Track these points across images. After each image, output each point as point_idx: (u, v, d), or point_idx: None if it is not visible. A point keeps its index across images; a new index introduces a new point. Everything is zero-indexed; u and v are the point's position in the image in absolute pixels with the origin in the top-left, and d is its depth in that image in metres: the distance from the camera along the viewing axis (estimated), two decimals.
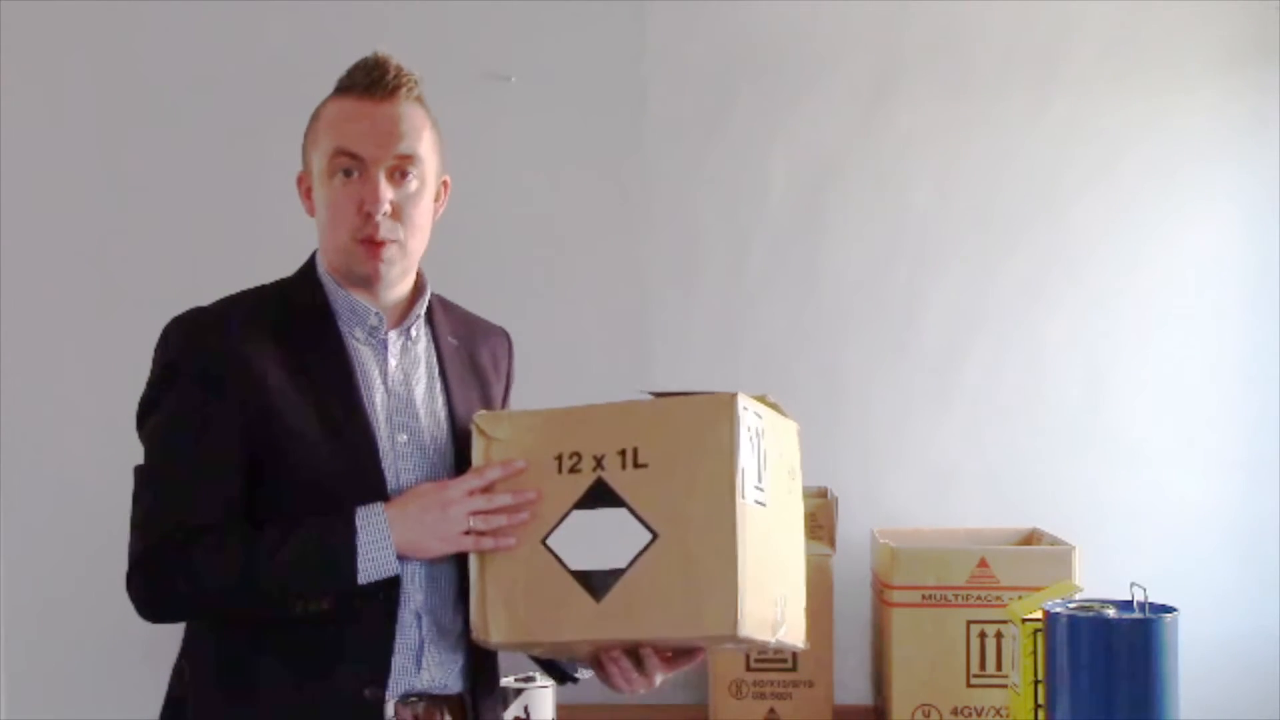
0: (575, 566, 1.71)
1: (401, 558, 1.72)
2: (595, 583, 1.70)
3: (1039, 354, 2.98)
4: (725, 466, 1.67)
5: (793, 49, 3.00)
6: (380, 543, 1.69)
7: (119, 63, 3.02)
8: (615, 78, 3.00)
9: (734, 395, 1.69)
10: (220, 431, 1.72)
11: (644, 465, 1.70)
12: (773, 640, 1.73)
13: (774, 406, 1.82)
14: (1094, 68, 2.98)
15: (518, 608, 1.73)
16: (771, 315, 3.00)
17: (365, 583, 1.70)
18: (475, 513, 1.72)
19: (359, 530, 1.69)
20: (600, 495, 1.71)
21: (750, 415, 1.71)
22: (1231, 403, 2.94)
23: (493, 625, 1.74)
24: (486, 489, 1.74)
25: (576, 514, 1.72)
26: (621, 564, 1.69)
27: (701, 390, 1.74)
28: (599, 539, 1.70)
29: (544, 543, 1.73)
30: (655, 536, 1.68)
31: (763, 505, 1.73)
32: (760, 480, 1.73)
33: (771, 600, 1.74)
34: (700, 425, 1.69)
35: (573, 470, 1.73)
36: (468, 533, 1.73)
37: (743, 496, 1.67)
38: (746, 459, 1.69)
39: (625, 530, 1.69)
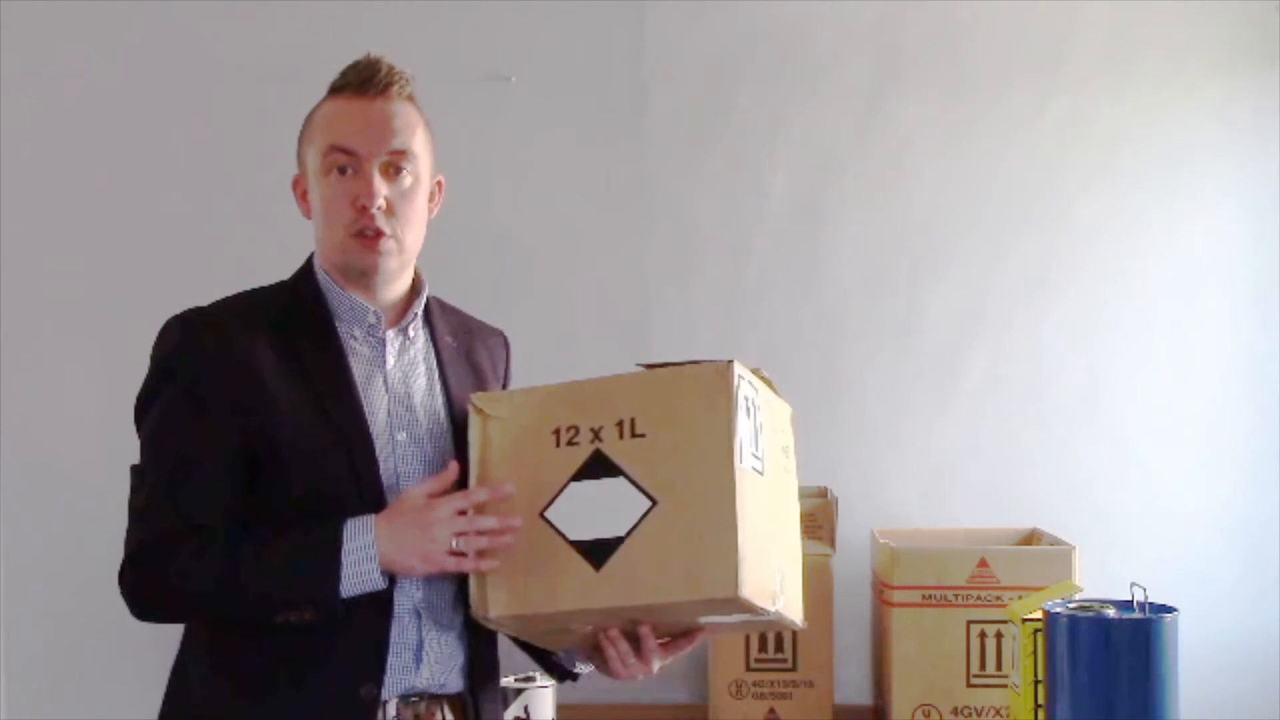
0: (574, 536, 1.71)
1: (390, 573, 1.71)
2: (595, 551, 1.70)
3: (1039, 353, 2.98)
4: (723, 431, 1.68)
5: (793, 49, 3.01)
6: (365, 557, 1.68)
7: (119, 63, 3.02)
8: (615, 78, 3.00)
9: (730, 362, 1.71)
10: (215, 431, 1.72)
11: (641, 435, 1.71)
12: (772, 610, 1.73)
13: (768, 382, 1.82)
14: (1094, 67, 2.98)
15: (517, 581, 1.73)
16: (771, 315, 3.00)
17: (348, 596, 1.69)
18: (459, 533, 1.71)
19: (345, 542, 1.68)
20: (598, 466, 1.72)
21: (746, 385, 1.73)
22: (1231, 403, 2.94)
23: (491, 600, 1.74)
24: (475, 509, 1.72)
25: (575, 485, 1.72)
26: (621, 532, 1.69)
27: (694, 360, 1.75)
28: (598, 509, 1.71)
29: (542, 515, 1.73)
30: (654, 503, 1.69)
31: (760, 473, 1.74)
32: (757, 448, 1.73)
33: (771, 569, 1.74)
34: (698, 392, 1.70)
35: (570, 443, 1.73)
36: (451, 552, 1.71)
37: (740, 461, 1.68)
38: (743, 425, 1.70)
39: (624, 499, 1.70)
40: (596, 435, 1.73)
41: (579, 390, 1.77)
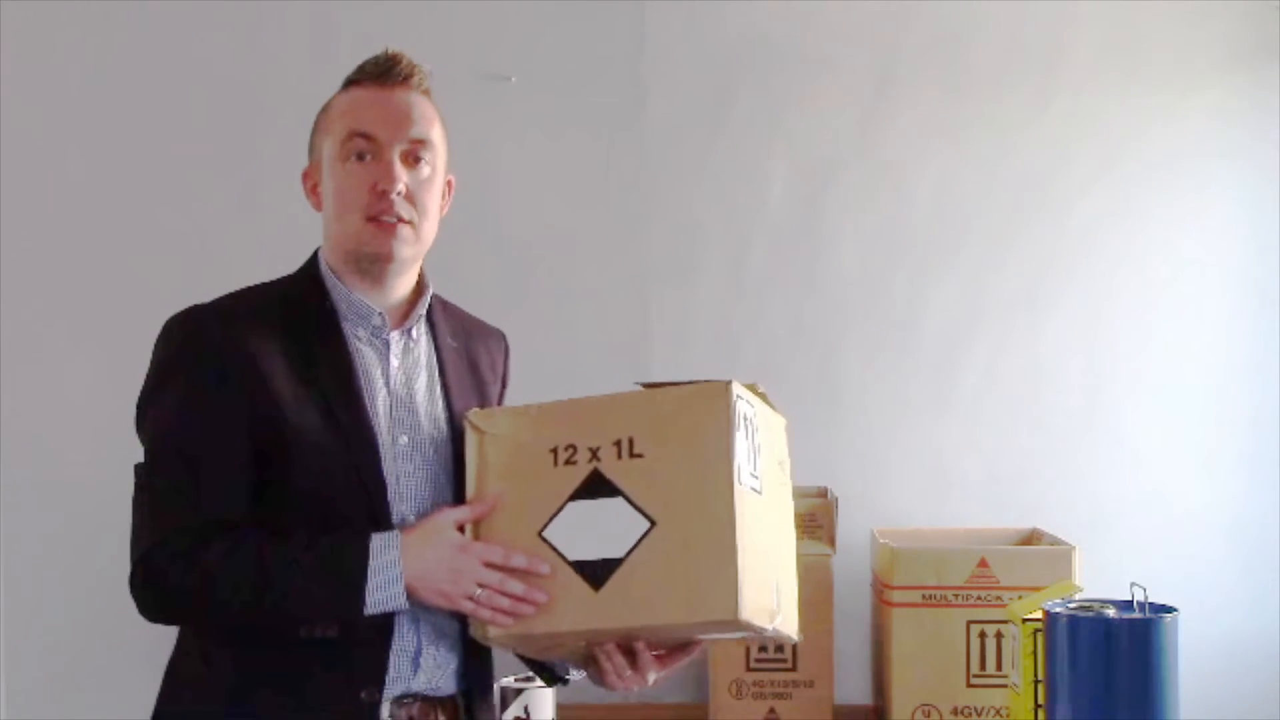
0: (573, 557, 1.71)
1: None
2: (594, 572, 1.69)
3: (1039, 353, 2.98)
4: (722, 452, 1.67)
5: (793, 49, 3.01)
6: (392, 580, 1.68)
7: (119, 63, 3.02)
8: (615, 78, 3.00)
9: (729, 383, 1.70)
10: (222, 427, 1.71)
11: (640, 455, 1.70)
12: (770, 628, 1.73)
13: (763, 397, 1.82)
14: (1094, 67, 2.98)
15: None
16: (771, 315, 3.00)
17: (371, 614, 1.69)
18: (484, 585, 1.71)
19: (371, 561, 1.68)
20: (597, 486, 1.71)
21: (744, 404, 1.72)
22: (1231, 402, 2.94)
23: None
24: (504, 567, 1.71)
25: (573, 505, 1.72)
26: (620, 553, 1.68)
27: (693, 380, 1.74)
28: (596, 529, 1.70)
29: (541, 535, 1.72)
30: (653, 524, 1.68)
31: (758, 493, 1.73)
32: (755, 468, 1.73)
33: (769, 587, 1.74)
34: (696, 412, 1.70)
35: (568, 462, 1.73)
36: (470, 598, 1.71)
37: (739, 482, 1.68)
38: (741, 446, 1.69)
39: (623, 519, 1.69)
40: (595, 455, 1.72)
41: (577, 409, 1.76)
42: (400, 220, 1.78)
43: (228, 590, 1.67)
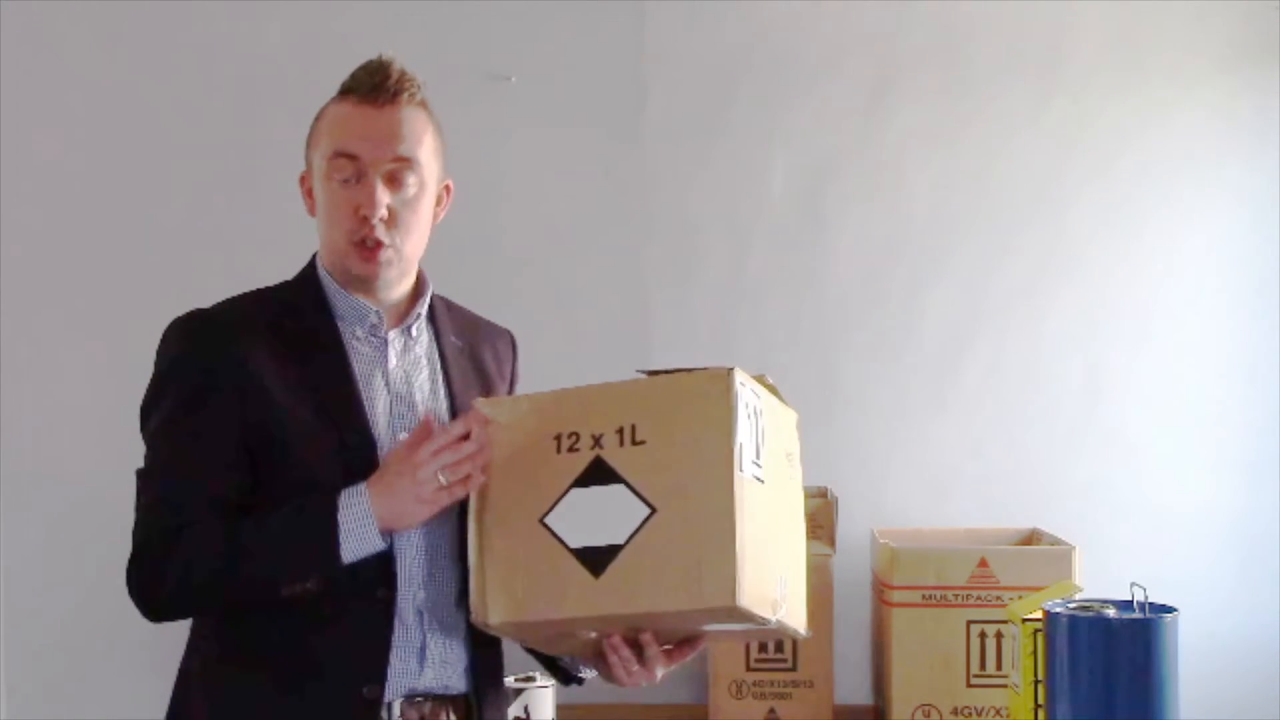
0: (573, 544, 1.71)
1: (390, 531, 1.71)
2: (594, 559, 1.69)
3: (1038, 353, 2.98)
4: (722, 439, 1.67)
5: (793, 49, 3.01)
6: (362, 520, 1.68)
7: (119, 63, 3.03)
8: (615, 78, 3.01)
9: (730, 369, 1.70)
10: (219, 432, 1.72)
11: (642, 442, 1.70)
12: (773, 619, 1.72)
13: (772, 389, 1.82)
14: (1093, 67, 2.98)
15: (516, 587, 1.73)
16: (771, 315, 3.00)
17: (351, 560, 1.69)
18: (445, 467, 1.71)
19: (339, 508, 1.69)
20: (598, 473, 1.71)
21: (748, 392, 1.72)
22: (1231, 403, 2.95)
23: (491, 606, 1.74)
24: (451, 443, 1.72)
25: (574, 492, 1.72)
26: (620, 539, 1.68)
27: (695, 368, 1.75)
28: (597, 516, 1.70)
29: (542, 522, 1.73)
30: (653, 511, 1.68)
31: (761, 482, 1.73)
32: (758, 457, 1.73)
33: (772, 578, 1.73)
34: (697, 399, 1.70)
35: (571, 450, 1.73)
36: (442, 488, 1.71)
37: (740, 470, 1.67)
38: (744, 433, 1.69)
39: (623, 506, 1.69)
40: (597, 442, 1.72)
41: (580, 396, 1.76)
42: (381, 245, 1.78)
43: (204, 569, 1.68)
